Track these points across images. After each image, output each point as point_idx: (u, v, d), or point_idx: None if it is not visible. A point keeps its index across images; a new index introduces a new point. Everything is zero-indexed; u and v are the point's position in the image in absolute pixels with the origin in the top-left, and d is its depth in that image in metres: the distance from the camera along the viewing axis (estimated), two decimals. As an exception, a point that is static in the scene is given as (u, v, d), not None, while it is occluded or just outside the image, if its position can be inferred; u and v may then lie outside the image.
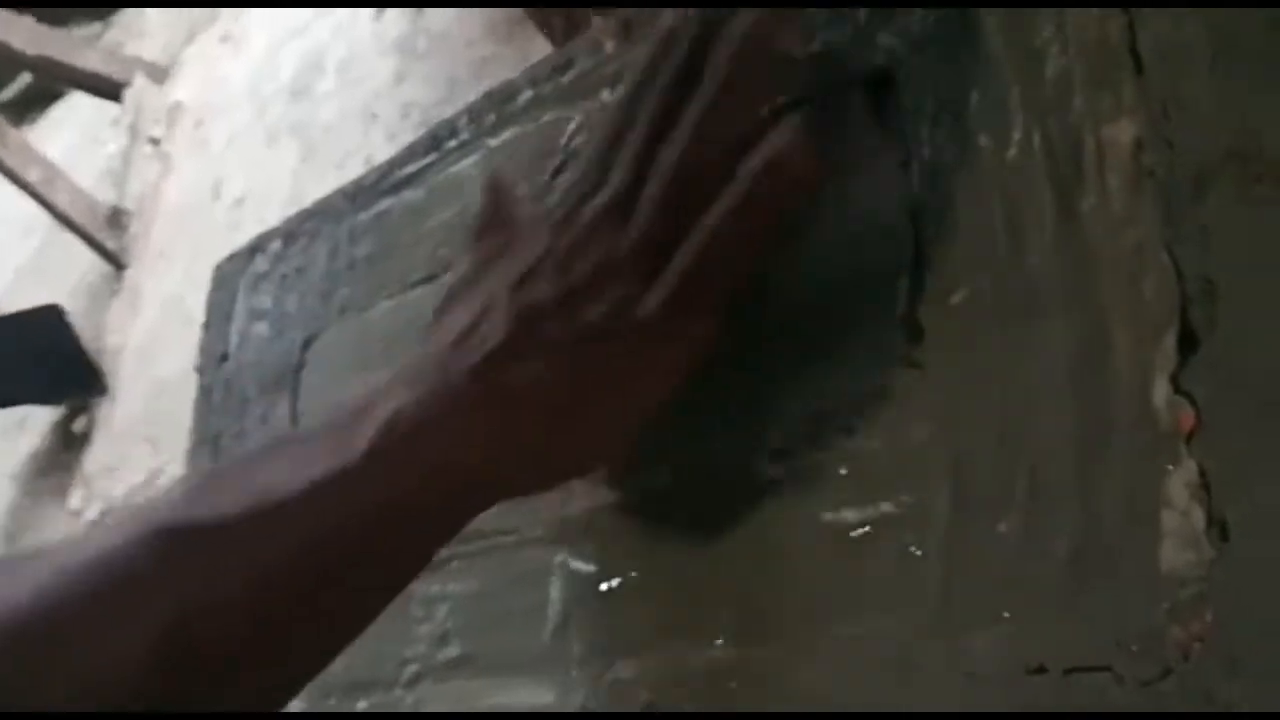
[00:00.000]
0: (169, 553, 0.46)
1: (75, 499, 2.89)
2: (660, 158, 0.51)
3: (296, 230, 1.01)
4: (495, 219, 0.59)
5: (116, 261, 3.24)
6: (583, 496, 0.67)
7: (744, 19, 0.53)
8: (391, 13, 2.51)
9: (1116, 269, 0.48)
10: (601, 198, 0.52)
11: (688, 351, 0.54)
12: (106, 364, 2.98)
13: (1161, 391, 0.45)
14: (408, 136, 2.19)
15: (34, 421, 3.22)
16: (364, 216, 0.94)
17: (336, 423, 0.52)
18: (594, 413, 0.53)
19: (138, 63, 3.55)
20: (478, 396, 0.50)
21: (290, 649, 0.51)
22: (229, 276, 1.08)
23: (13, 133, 3.26)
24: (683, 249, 0.51)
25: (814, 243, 0.60)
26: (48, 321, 2.67)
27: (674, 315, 0.51)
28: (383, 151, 2.30)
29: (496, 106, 0.84)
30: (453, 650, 0.71)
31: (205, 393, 1.04)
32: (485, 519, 0.71)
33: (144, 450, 2.73)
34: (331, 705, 0.78)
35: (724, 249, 0.52)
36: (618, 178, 0.52)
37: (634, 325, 0.50)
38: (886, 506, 0.53)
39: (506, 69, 0.87)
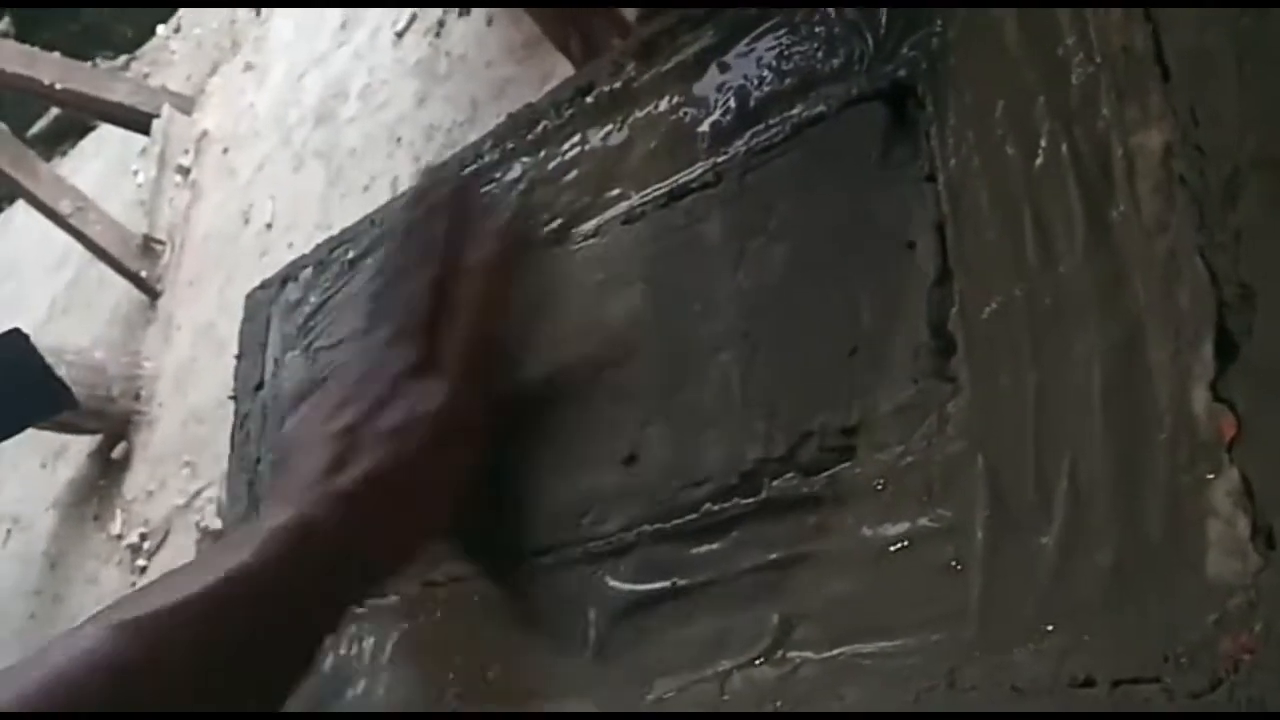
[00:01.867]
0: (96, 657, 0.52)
1: (115, 525, 2.92)
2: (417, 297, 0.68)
3: (327, 258, 1.02)
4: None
5: (149, 290, 3.27)
6: (617, 515, 0.67)
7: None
8: (411, 36, 2.53)
9: (1150, 277, 0.48)
10: (382, 332, 0.68)
11: (481, 417, 0.68)
12: (145, 390, 3.01)
13: (1200, 399, 0.45)
14: (432, 158, 2.20)
15: (72, 450, 3.25)
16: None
17: (227, 543, 0.64)
18: (423, 488, 0.64)
19: (164, 94, 3.59)
20: (328, 505, 0.60)
21: None
22: (261, 305, 1.09)
23: (44, 166, 3.30)
24: (443, 350, 0.66)
25: (841, 259, 0.60)
26: (12, 346, 2.68)
27: (455, 398, 0.65)
28: (408, 173, 2.32)
29: (519, 131, 0.85)
30: (492, 671, 0.71)
31: (242, 420, 1.05)
32: (524, 542, 0.72)
33: (182, 475, 2.75)
34: (375, 730, 0.78)
35: (471, 335, 0.68)
36: (393, 316, 0.68)
37: (429, 413, 0.64)
38: (924, 521, 0.53)
39: (527, 89, 0.88)
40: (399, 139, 2.45)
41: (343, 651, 0.84)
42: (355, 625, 0.84)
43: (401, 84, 2.53)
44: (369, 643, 0.82)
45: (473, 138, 0.90)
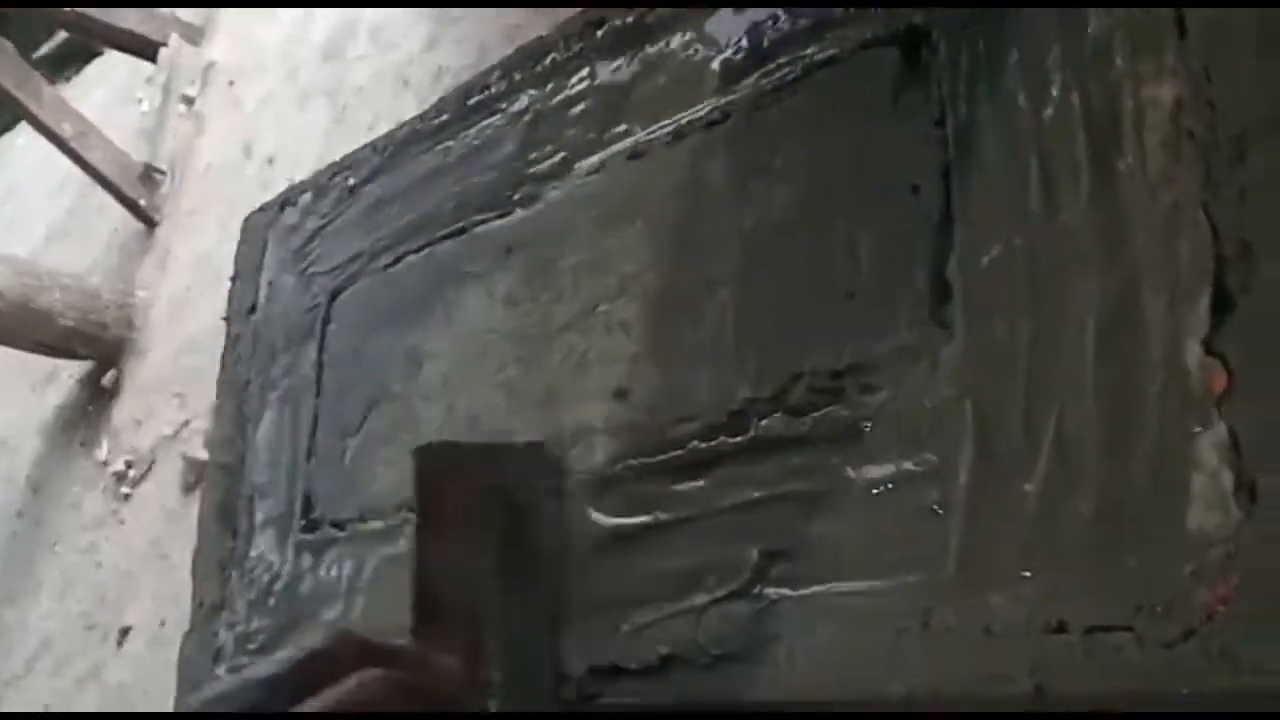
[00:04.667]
0: None
1: (102, 452, 2.92)
2: None
3: (326, 184, 1.01)
4: None
5: (148, 219, 3.25)
6: (604, 449, 0.67)
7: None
8: (425, -24, 2.51)
9: (1151, 229, 0.47)
10: None
11: None
12: (138, 319, 3.00)
13: (1193, 353, 0.45)
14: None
15: (62, 376, 3.24)
16: (394, 171, 0.94)
17: None
18: None
19: (173, 23, 3.55)
20: None
21: None
22: (258, 228, 1.08)
23: (48, 88, 3.27)
24: None
25: (844, 202, 0.60)
26: None
27: None
28: (413, 114, 2.29)
29: (528, 63, 0.84)
30: (471, 600, 0.71)
31: (233, 342, 1.05)
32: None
33: (171, 404, 2.75)
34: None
35: None
36: None
37: None
38: (909, 464, 0.53)
39: (538, 35, 0.87)
40: (406, 80, 2.43)
41: (321, 574, 0.84)
42: (334, 549, 0.84)
43: (412, 25, 2.51)
44: (347, 566, 0.82)
45: (480, 83, 0.89)
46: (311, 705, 0.47)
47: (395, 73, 2.49)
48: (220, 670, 0.90)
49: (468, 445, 0.62)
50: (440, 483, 0.59)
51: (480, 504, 0.61)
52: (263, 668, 0.50)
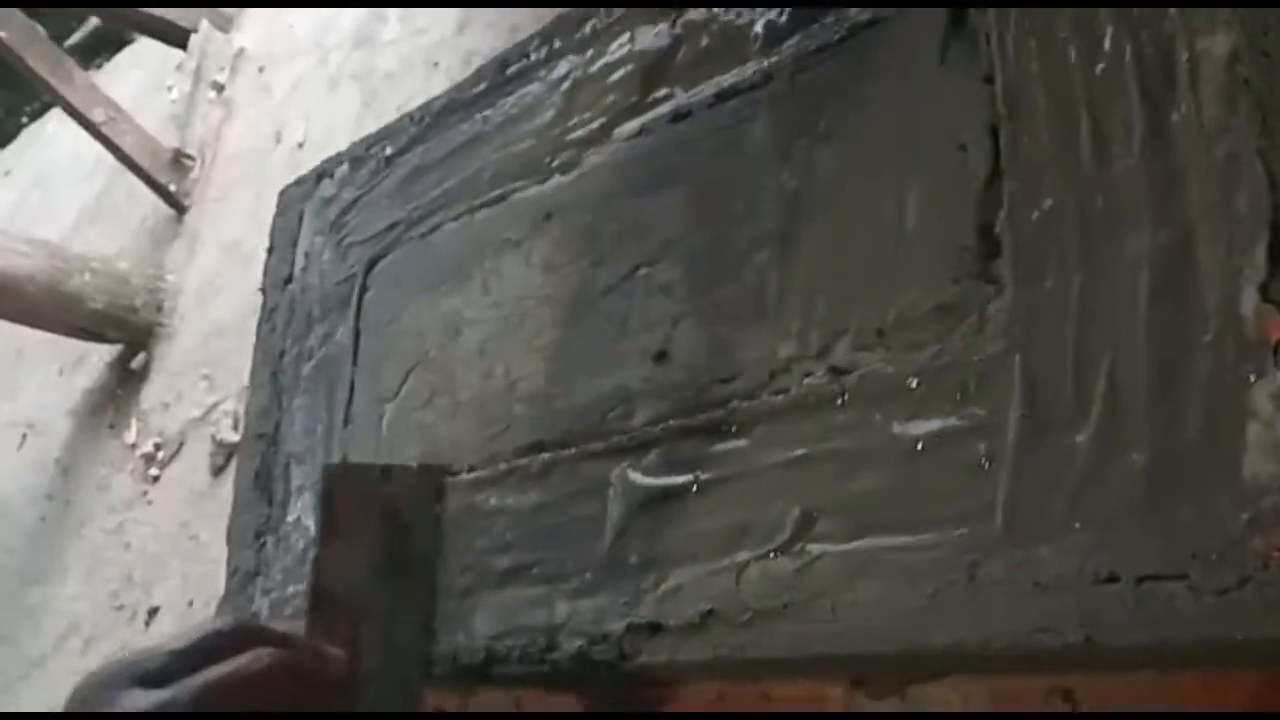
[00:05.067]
0: None
1: (131, 434, 2.94)
2: None
3: (363, 155, 1.02)
4: None
5: (177, 204, 3.27)
6: (643, 410, 0.67)
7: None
8: (456, -38, 2.51)
9: (1207, 180, 0.47)
10: None
11: None
12: (167, 303, 3.02)
13: (1250, 301, 0.44)
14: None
15: (91, 359, 3.27)
16: (431, 141, 0.94)
17: None
18: None
19: (203, 10, 3.58)
20: None
21: None
22: (294, 200, 1.09)
23: (80, 73, 3.30)
24: None
25: (889, 161, 0.60)
26: None
27: None
28: (443, 100, 2.30)
29: (567, 31, 0.84)
30: (507, 560, 0.72)
31: (269, 313, 1.06)
32: (545, 434, 0.72)
33: (200, 388, 2.77)
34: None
35: None
36: None
37: None
38: (956, 419, 0.53)
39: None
40: (436, 64, 2.44)
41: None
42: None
43: (442, 9, 2.52)
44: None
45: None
46: (206, 675, 0.51)
47: (425, 57, 2.50)
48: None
49: (368, 466, 0.72)
50: (340, 496, 0.65)
51: (372, 517, 0.68)
52: (167, 643, 0.54)
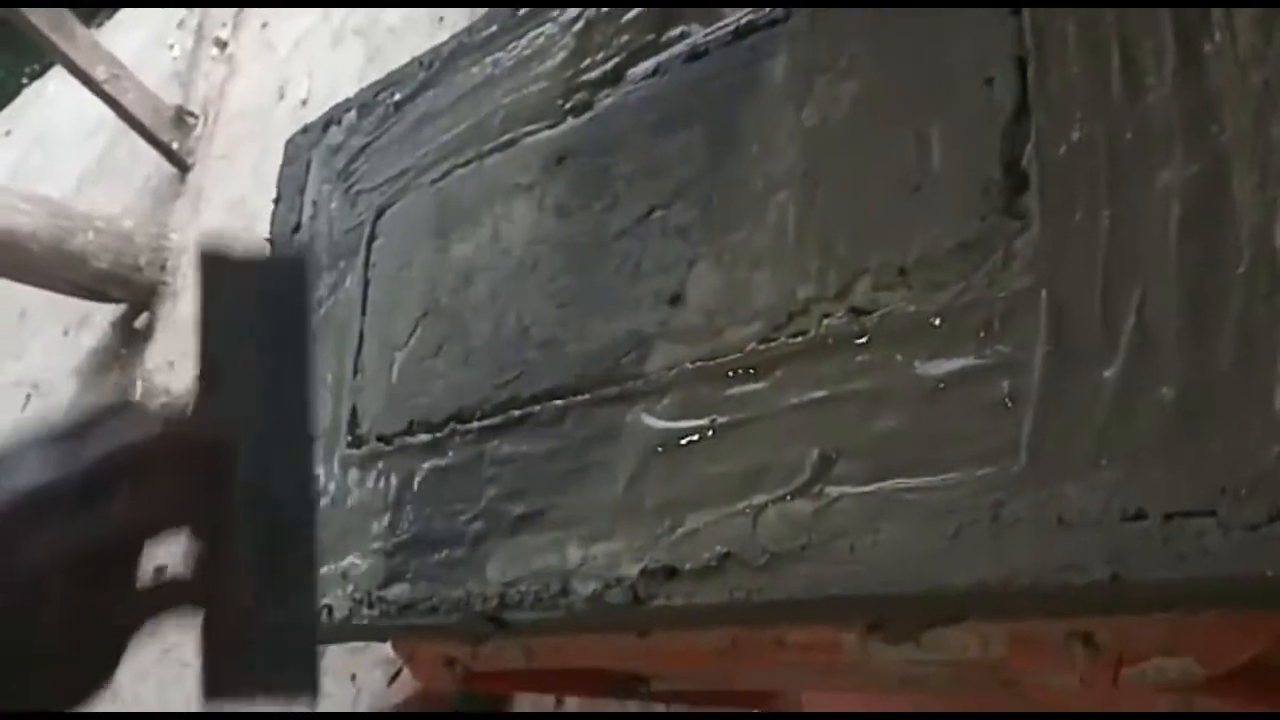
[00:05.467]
0: None
1: (135, 393, 2.94)
2: None
3: (371, 102, 1.01)
4: None
5: (180, 163, 3.26)
6: (659, 354, 0.66)
7: None
8: (460, -82, 2.48)
9: (1240, 109, 0.46)
10: None
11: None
12: (171, 262, 3.01)
13: (1284, 232, 0.43)
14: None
15: (95, 319, 3.27)
16: (440, 86, 0.93)
17: None
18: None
19: (205, -33, 3.54)
20: None
21: None
22: (301, 149, 1.07)
23: (81, 30, 3.27)
24: None
25: (912, 97, 0.58)
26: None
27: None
28: (448, 56, 2.27)
29: (580, -28, 0.82)
30: (520, 507, 0.71)
31: (276, 263, 1.04)
32: (558, 380, 0.71)
33: (204, 348, 2.76)
34: (396, 562, 0.78)
35: None
36: None
37: None
38: (980, 358, 0.52)
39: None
40: (441, 18, 2.41)
41: (368, 487, 0.84)
42: (381, 463, 0.84)
43: (446, -36, 2.49)
44: (394, 479, 0.82)
45: (517, 19, 0.88)
46: (92, 446, 0.50)
47: (429, 12, 2.47)
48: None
49: (245, 248, 0.68)
50: (216, 276, 0.65)
51: (249, 297, 0.68)
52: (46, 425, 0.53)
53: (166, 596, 0.54)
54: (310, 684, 0.68)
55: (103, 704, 0.56)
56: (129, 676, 2.64)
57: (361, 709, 2.00)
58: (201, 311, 0.69)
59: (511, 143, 0.83)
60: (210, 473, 0.54)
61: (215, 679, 0.64)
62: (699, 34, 0.70)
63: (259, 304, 0.68)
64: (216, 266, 0.70)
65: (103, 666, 0.56)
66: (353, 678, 2.02)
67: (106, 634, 0.53)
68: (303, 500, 0.66)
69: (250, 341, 0.68)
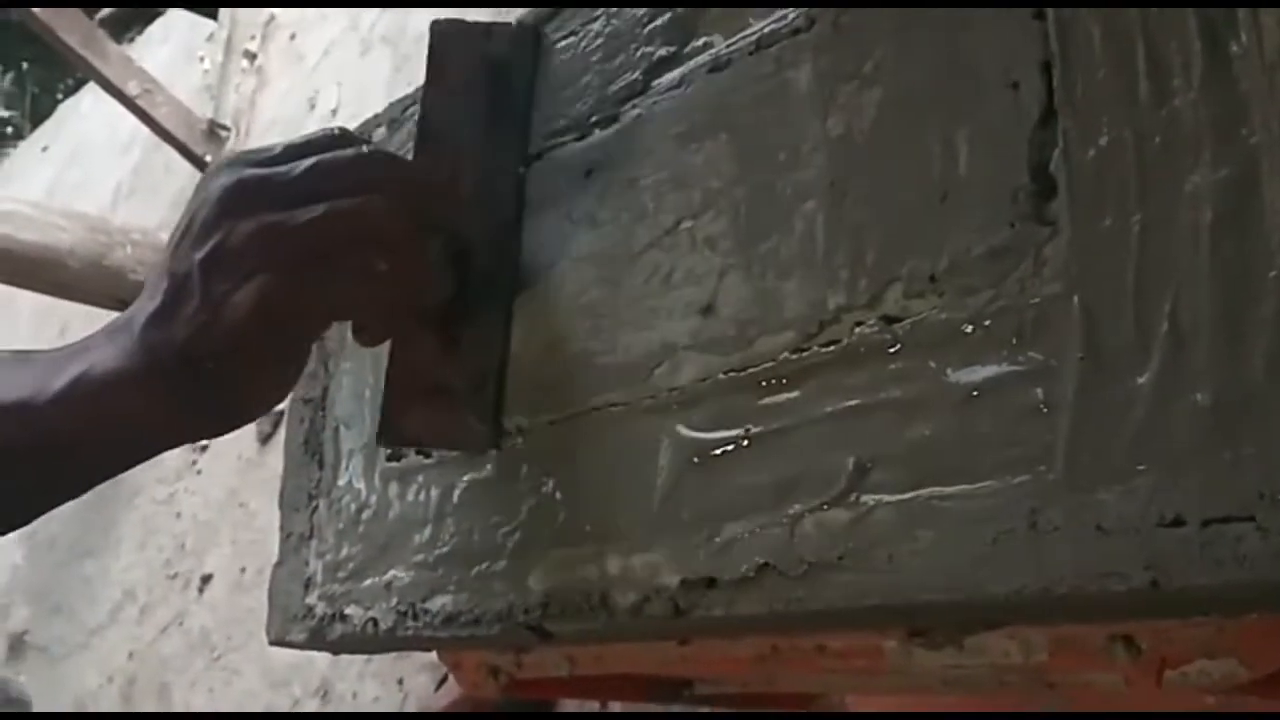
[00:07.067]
0: None
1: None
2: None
3: (399, 117, 1.01)
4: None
5: (214, 175, 3.29)
6: (691, 365, 0.67)
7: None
8: (483, -77, 2.50)
9: (1270, 111, 0.45)
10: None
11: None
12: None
13: (1318, 234, 0.43)
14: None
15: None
16: (468, 100, 0.94)
17: (48, 358, 0.64)
18: (252, 359, 0.62)
19: (232, -20, 3.58)
20: (154, 363, 0.59)
21: None
22: (333, 166, 1.08)
23: (113, 47, 3.31)
24: None
25: (938, 103, 0.58)
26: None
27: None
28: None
29: (603, -17, 0.83)
30: (556, 520, 0.72)
31: (311, 279, 1.06)
32: (592, 393, 0.72)
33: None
34: (438, 575, 0.79)
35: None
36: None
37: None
38: (1013, 364, 0.52)
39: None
40: (467, 26, 2.42)
41: (409, 500, 0.85)
42: (421, 475, 0.85)
43: (470, -29, 2.50)
44: (434, 492, 0.83)
45: (547, 26, 0.88)
46: (312, 211, 0.59)
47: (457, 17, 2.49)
48: (311, 598, 0.92)
49: (474, 23, 0.76)
50: (444, 47, 0.72)
51: (473, 67, 0.74)
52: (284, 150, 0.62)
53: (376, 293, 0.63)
54: (483, 435, 0.71)
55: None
56: (182, 683, 2.68)
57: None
58: (426, 84, 0.75)
59: (538, 156, 0.83)
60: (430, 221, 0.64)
61: (393, 423, 0.70)
62: (721, 45, 0.70)
63: (481, 80, 0.74)
64: (445, 41, 0.76)
65: (295, 362, 0.66)
66: (400, 682, 2.04)
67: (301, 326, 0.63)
68: (504, 251, 0.72)
69: (469, 115, 0.74)
